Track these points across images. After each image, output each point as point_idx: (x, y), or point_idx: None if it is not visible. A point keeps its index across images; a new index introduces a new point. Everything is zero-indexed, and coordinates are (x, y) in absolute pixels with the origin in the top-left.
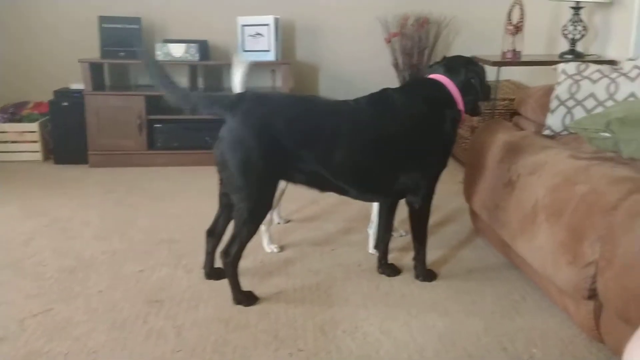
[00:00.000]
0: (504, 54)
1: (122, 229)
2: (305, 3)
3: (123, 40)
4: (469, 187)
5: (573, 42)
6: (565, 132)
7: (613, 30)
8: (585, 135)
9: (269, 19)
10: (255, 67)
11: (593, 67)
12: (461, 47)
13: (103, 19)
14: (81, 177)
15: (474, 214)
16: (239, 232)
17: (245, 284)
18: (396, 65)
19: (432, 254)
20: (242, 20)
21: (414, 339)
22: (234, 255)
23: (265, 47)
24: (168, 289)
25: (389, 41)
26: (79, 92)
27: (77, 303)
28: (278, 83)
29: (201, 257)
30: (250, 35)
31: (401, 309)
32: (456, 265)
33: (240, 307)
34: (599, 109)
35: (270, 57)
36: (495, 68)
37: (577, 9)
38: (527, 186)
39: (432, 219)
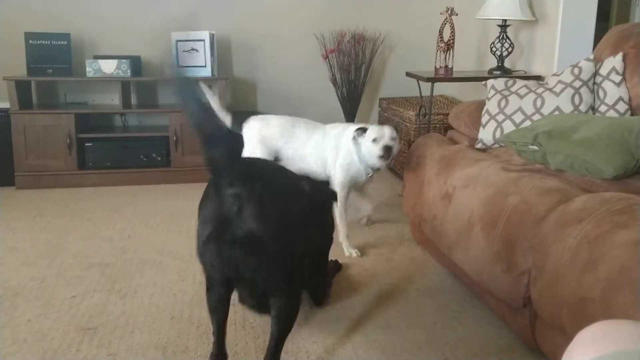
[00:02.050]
0: (437, 70)
1: (52, 253)
2: (242, 19)
3: (51, 57)
4: (409, 200)
5: (501, 58)
6: (496, 145)
7: (538, 47)
8: (515, 148)
9: (204, 35)
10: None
11: (520, 82)
12: (396, 63)
13: (29, 35)
14: (7, 200)
15: (413, 226)
16: (286, 331)
17: (181, 307)
18: (334, 82)
19: (373, 266)
20: (176, 35)
21: (357, 355)
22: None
23: (201, 63)
24: (101, 316)
25: (326, 57)
26: (5, 111)
27: (4, 334)
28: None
29: (136, 281)
30: (185, 51)
31: (342, 324)
32: (396, 276)
33: (178, 331)
34: (527, 123)
35: (207, 72)
36: (429, 84)
37: (503, 27)
38: (462, 198)
39: (374, 233)
